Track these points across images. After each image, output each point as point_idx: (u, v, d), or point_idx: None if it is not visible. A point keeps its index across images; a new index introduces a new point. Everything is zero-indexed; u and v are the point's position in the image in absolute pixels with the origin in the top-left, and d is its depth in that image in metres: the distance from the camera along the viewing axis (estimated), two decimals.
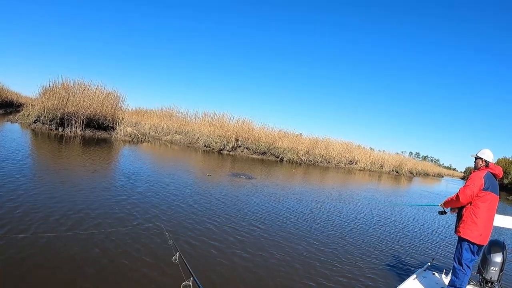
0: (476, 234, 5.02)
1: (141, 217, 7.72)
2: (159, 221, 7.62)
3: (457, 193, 5.13)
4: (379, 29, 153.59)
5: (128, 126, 29.42)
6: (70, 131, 23.49)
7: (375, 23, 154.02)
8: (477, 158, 5.46)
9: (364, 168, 50.56)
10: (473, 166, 5.57)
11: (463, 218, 5.13)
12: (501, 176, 5.42)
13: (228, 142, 34.53)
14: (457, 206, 5.32)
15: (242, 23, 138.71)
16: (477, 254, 5.23)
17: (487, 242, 5.51)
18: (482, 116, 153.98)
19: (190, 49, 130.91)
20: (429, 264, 6.91)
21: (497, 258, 5.40)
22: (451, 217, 5.63)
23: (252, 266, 6.19)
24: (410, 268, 7.72)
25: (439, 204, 5.75)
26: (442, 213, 5.75)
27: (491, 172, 5.25)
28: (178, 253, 4.10)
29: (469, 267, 5.08)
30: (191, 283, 3.36)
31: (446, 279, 5.91)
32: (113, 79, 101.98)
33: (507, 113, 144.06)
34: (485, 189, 5.05)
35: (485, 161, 5.37)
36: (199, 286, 3.26)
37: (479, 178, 5.11)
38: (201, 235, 7.24)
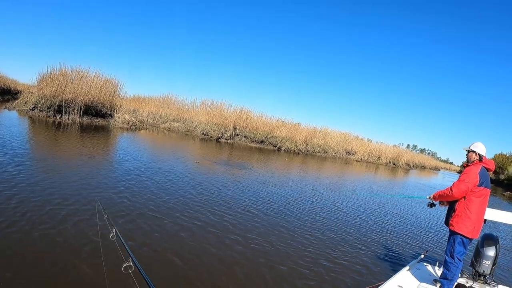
0: (469, 228, 5.04)
1: (83, 199, 7.65)
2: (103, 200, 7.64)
3: (451, 187, 5.11)
4: (380, 23, 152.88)
5: (126, 114, 29.37)
6: (68, 118, 23.48)
7: (378, 16, 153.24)
8: (470, 151, 5.42)
9: (361, 159, 50.75)
10: (466, 159, 5.54)
11: (456, 212, 5.12)
12: (493, 170, 5.45)
13: (226, 131, 34.63)
14: (448, 200, 5.32)
15: (242, 13, 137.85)
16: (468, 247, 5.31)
17: (480, 236, 5.61)
18: (480, 111, 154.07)
19: (188, 36, 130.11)
20: (423, 256, 6.92)
21: (490, 251, 5.44)
22: (444, 210, 5.66)
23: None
24: (404, 259, 7.81)
25: (428, 197, 5.76)
26: (431, 205, 5.78)
27: (484, 167, 5.24)
28: (114, 229, 4.11)
29: (460, 260, 5.11)
30: (131, 263, 3.35)
31: (439, 271, 5.93)
32: (111, 66, 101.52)
33: (504, 109, 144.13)
34: (480, 185, 5.06)
35: (479, 154, 5.33)
36: (137, 267, 3.25)
37: (474, 175, 5.09)
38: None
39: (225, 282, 5.23)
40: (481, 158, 5.31)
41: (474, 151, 5.36)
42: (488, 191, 5.19)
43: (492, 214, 5.77)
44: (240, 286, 5.24)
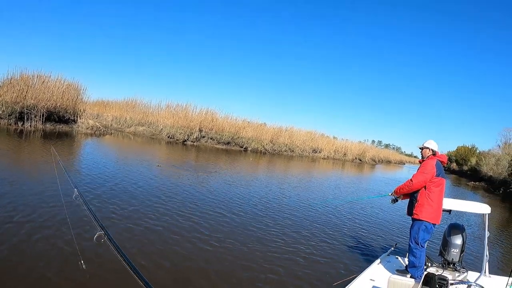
0: (432, 215, 5.45)
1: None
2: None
3: (410, 179, 5.58)
4: (342, 16, 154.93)
5: (89, 119, 29.05)
6: (30, 125, 23.03)
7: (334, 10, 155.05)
8: (424, 148, 5.87)
9: (328, 156, 51.57)
10: (421, 155, 5.97)
11: (419, 202, 5.52)
12: (446, 163, 5.94)
13: (192, 133, 34.69)
14: (409, 192, 5.70)
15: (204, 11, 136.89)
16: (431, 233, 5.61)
17: (447, 225, 6.07)
18: (442, 106, 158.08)
19: (150, 39, 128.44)
20: (392, 248, 7.15)
21: (457, 240, 5.74)
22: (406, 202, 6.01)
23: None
24: (375, 253, 8.04)
25: (390, 193, 6.13)
26: (395, 201, 6.11)
27: (438, 160, 5.71)
28: (76, 189, 4.25)
29: (424, 247, 5.46)
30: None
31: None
32: (72, 70, 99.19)
33: (466, 103, 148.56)
34: (437, 175, 5.52)
35: (432, 150, 5.80)
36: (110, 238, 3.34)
37: (431, 167, 5.55)
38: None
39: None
40: (434, 153, 5.81)
41: (427, 147, 5.84)
42: (444, 180, 5.67)
43: (456, 205, 6.08)
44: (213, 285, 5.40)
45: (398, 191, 5.88)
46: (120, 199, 9.11)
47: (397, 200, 6.13)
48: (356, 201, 14.96)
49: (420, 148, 6.00)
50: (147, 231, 7.09)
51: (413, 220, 5.60)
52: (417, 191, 5.61)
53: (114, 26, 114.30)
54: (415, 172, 5.76)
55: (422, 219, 5.45)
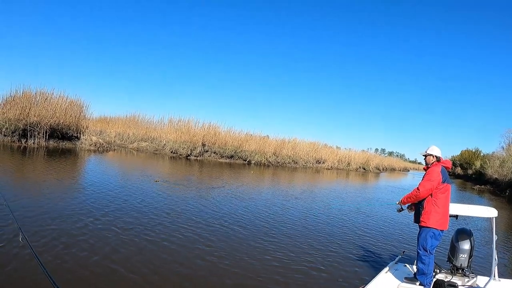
0: (440, 221, 5.44)
1: None
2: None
3: (417, 188, 5.54)
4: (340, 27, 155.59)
5: (92, 135, 29.14)
6: (34, 143, 23.13)
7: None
8: (427, 155, 5.84)
9: (331, 166, 51.37)
10: (425, 162, 5.94)
11: (426, 209, 5.49)
12: (450, 168, 5.92)
13: (195, 147, 34.64)
14: (417, 201, 5.65)
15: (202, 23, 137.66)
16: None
17: (454, 231, 6.02)
18: (444, 111, 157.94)
19: (150, 53, 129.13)
20: (400, 256, 7.11)
21: (465, 245, 5.69)
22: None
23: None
24: (382, 261, 8.00)
25: (397, 202, 6.04)
26: (400, 210, 6.13)
27: (443, 166, 5.69)
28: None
29: (432, 253, 5.43)
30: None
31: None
32: (75, 86, 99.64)
33: (468, 107, 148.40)
34: (443, 182, 5.51)
35: (436, 156, 5.78)
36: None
37: (437, 174, 5.53)
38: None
39: None
40: (438, 159, 5.79)
41: (431, 154, 5.81)
42: (450, 186, 5.66)
43: (463, 209, 6.07)
44: None
45: (406, 201, 5.83)
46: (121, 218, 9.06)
47: (402, 209, 6.13)
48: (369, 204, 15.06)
49: (423, 156, 5.98)
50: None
51: (421, 227, 5.58)
52: (423, 199, 5.57)
53: (113, 41, 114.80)
54: (421, 178, 5.72)
55: (430, 226, 5.43)
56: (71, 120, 26.47)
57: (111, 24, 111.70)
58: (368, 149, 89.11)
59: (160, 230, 8.21)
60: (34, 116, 23.34)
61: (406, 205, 5.98)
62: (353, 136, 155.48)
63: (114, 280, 5.35)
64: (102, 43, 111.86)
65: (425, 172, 5.84)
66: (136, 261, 6.16)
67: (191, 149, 34.31)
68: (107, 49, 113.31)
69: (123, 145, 34.33)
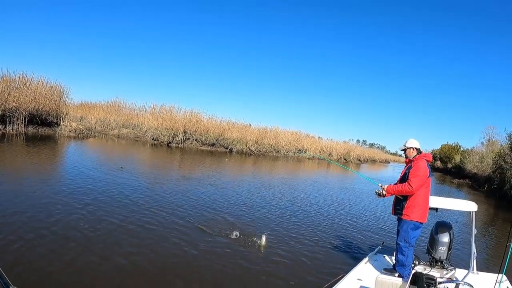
0: (422, 214, 5.51)
1: None
2: None
3: (409, 184, 5.46)
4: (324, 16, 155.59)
5: (73, 121, 28.88)
6: (12, 129, 22.84)
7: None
8: (407, 148, 5.87)
9: (313, 156, 51.66)
10: (405, 156, 5.95)
11: (408, 203, 5.53)
12: (431, 162, 5.89)
13: (177, 135, 34.68)
14: (407, 195, 5.59)
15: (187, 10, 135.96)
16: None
17: (434, 224, 6.11)
18: (424, 105, 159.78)
19: (132, 39, 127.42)
20: (380, 247, 7.17)
21: (445, 238, 5.76)
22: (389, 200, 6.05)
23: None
24: (362, 252, 8.09)
25: (381, 186, 5.90)
26: (381, 196, 5.92)
27: (426, 159, 5.71)
28: None
29: (413, 245, 5.53)
30: None
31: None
32: (55, 71, 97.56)
33: (448, 102, 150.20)
34: (428, 176, 5.58)
35: (416, 149, 5.82)
36: None
37: (425, 169, 5.55)
38: None
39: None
40: (419, 151, 5.85)
41: (411, 147, 5.85)
42: (431, 179, 5.73)
43: (443, 203, 6.14)
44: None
45: (393, 193, 5.74)
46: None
47: (384, 196, 5.93)
48: (349, 193, 16.34)
49: (402, 150, 6.01)
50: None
51: (402, 220, 5.61)
52: None
53: (95, 26, 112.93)
54: (401, 171, 5.83)
55: (412, 219, 5.50)
56: (51, 106, 26.20)
57: (91, 9, 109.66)
58: (350, 140, 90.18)
59: (135, 219, 8.18)
60: (13, 101, 22.99)
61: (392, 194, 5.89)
62: (335, 127, 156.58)
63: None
64: (83, 28, 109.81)
65: (406, 165, 5.90)
66: (111, 254, 6.08)
67: (172, 136, 34.36)
68: (87, 34, 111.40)
69: (103, 132, 34.02)
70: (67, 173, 12.42)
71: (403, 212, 5.56)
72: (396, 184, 5.83)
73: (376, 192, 5.98)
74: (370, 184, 23.10)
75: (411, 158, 5.82)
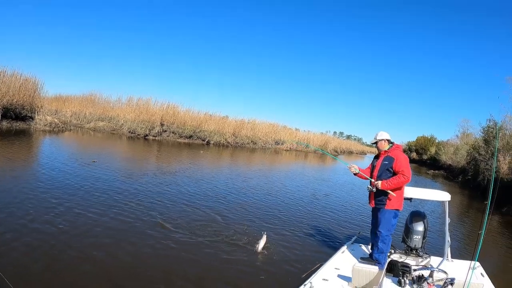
0: (400, 202, 5.73)
1: None
2: None
3: (404, 175, 5.56)
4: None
5: (47, 115, 28.55)
6: None
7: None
8: (379, 141, 5.94)
9: (290, 148, 52.00)
10: (377, 148, 6.02)
11: (392, 193, 5.65)
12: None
13: (154, 127, 34.64)
14: (397, 187, 5.68)
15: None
16: None
17: (409, 213, 6.31)
18: (400, 97, 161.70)
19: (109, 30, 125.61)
20: (356, 237, 7.35)
21: (419, 227, 5.92)
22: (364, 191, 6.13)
23: None
24: (339, 241, 8.18)
25: (374, 185, 5.79)
26: (371, 190, 5.89)
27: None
28: None
29: (393, 232, 5.76)
30: None
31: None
32: (28, 64, 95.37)
33: (423, 94, 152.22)
34: None
35: (388, 140, 5.93)
36: None
37: (407, 159, 5.79)
38: None
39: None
40: (392, 142, 5.97)
41: (383, 139, 5.95)
42: None
43: (418, 193, 6.23)
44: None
45: (390, 187, 5.66)
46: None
47: (373, 191, 5.88)
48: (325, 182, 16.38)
49: (373, 143, 6.06)
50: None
51: (384, 210, 5.72)
52: None
53: (67, 16, 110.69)
54: (377, 163, 5.94)
55: (394, 208, 5.69)
56: (25, 99, 25.79)
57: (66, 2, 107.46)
58: (327, 131, 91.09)
59: (112, 214, 8.13)
60: None
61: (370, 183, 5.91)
62: (312, 118, 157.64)
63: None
64: (57, 19, 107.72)
65: (380, 157, 5.95)
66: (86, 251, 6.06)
67: (149, 129, 34.34)
68: (62, 25, 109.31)
69: (79, 125, 33.79)
70: (42, 168, 12.25)
71: (387, 202, 5.70)
72: (372, 175, 5.96)
73: (368, 188, 5.97)
74: (347, 175, 23.72)
75: (386, 150, 5.93)
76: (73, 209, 8.07)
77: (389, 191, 5.66)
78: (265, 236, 7.17)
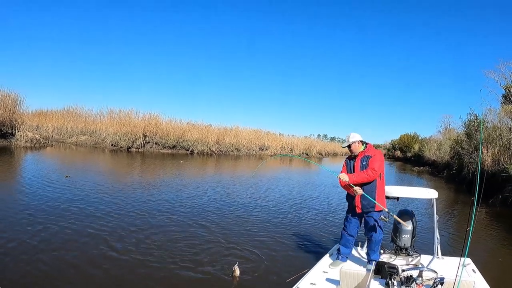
0: (384, 201, 5.71)
1: None
2: None
3: (373, 169, 5.52)
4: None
5: (28, 131, 28.45)
6: None
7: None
8: (352, 143, 5.82)
9: (275, 153, 52.16)
10: (351, 151, 5.90)
11: (379, 193, 5.62)
12: None
13: (136, 139, 34.62)
14: (366, 182, 5.60)
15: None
16: None
17: (397, 212, 6.13)
18: (382, 98, 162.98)
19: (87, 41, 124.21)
20: None
21: (408, 226, 5.79)
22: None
23: None
24: (325, 245, 8.14)
25: (355, 190, 5.63)
26: (357, 194, 5.67)
27: None
28: None
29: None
30: None
31: (361, 251, 6.38)
32: (7, 79, 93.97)
33: (405, 92, 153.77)
34: None
35: (361, 141, 5.86)
36: None
37: (382, 156, 5.79)
38: None
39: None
40: (366, 143, 5.89)
41: (356, 141, 5.83)
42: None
43: (404, 192, 6.23)
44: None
45: (360, 181, 5.61)
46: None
47: (357, 193, 5.67)
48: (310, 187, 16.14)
49: (348, 146, 5.91)
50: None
51: (374, 213, 5.63)
52: (374, 183, 5.62)
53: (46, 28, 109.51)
54: (355, 164, 5.82)
55: (383, 208, 5.60)
56: (5, 116, 25.72)
57: (46, 14, 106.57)
58: (311, 135, 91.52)
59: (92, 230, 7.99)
60: None
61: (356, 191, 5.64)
62: (295, 123, 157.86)
63: None
64: (35, 33, 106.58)
65: (357, 158, 5.84)
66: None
67: (132, 141, 34.29)
68: (41, 39, 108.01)
69: (61, 140, 33.63)
70: (23, 187, 12.12)
71: (376, 204, 5.57)
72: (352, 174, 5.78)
73: (355, 192, 5.68)
74: (331, 178, 23.87)
75: (362, 151, 5.82)
76: (53, 229, 7.86)
77: (373, 200, 5.57)
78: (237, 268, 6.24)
